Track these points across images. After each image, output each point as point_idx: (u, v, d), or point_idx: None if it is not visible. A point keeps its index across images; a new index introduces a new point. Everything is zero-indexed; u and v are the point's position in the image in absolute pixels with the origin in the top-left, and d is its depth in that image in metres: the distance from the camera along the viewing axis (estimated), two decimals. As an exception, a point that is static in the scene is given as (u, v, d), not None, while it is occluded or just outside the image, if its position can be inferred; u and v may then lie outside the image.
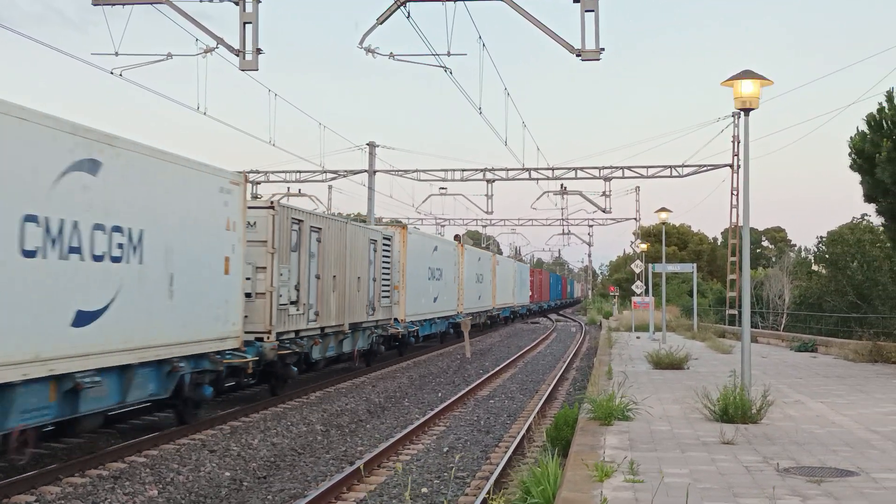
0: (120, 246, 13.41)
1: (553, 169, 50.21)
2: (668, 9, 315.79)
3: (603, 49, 18.93)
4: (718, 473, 9.50)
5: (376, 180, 49.66)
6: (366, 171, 49.82)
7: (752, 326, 15.53)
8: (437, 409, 19.39)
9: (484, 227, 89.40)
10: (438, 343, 41.27)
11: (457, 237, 50.42)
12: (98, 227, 12.84)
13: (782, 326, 47.39)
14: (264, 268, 19.53)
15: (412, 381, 26.03)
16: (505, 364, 31.31)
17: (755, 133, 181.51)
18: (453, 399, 21.24)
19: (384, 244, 29.70)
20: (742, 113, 15.05)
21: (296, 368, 21.61)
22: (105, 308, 13.00)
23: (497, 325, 58.96)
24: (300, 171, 52.22)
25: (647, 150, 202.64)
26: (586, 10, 18.89)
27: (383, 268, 29.50)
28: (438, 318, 38.47)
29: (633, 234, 75.35)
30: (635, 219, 73.73)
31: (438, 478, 13.18)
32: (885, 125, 23.45)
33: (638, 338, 40.52)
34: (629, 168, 49.47)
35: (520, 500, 9.42)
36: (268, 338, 19.29)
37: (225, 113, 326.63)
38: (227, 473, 13.35)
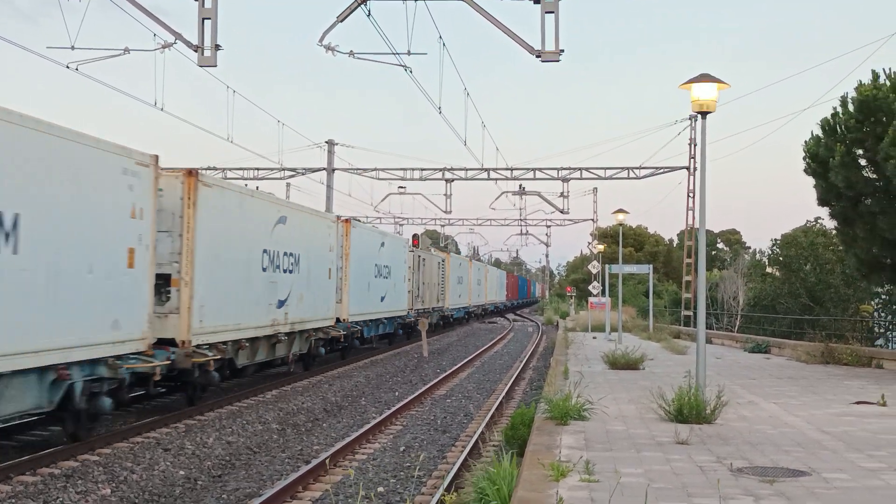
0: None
1: (512, 169, 50.35)
2: (628, 11, 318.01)
3: (563, 50, 19.01)
4: (673, 473, 9.57)
5: (335, 179, 49.56)
6: (324, 169, 49.65)
7: (706, 328, 15.65)
8: (393, 409, 19.36)
9: (443, 226, 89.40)
10: (387, 345, 39.33)
11: (415, 237, 50.35)
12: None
13: (737, 328, 47.88)
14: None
15: (369, 380, 25.97)
16: (462, 363, 31.33)
17: (712, 136, 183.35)
18: (410, 398, 21.22)
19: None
20: (699, 116, 15.17)
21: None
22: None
23: (453, 325, 58.98)
24: (258, 169, 51.90)
25: (605, 152, 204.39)
26: (546, 12, 18.95)
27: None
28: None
29: (591, 234, 75.75)
30: (593, 220, 74.06)
31: (395, 477, 13.16)
32: (838, 130, 23.76)
33: (594, 338, 40.73)
34: (587, 169, 49.71)
35: (476, 500, 9.43)
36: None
37: (183, 109, 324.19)
38: (182, 472, 13.23)
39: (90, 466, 13.16)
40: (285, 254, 22.73)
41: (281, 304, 22.46)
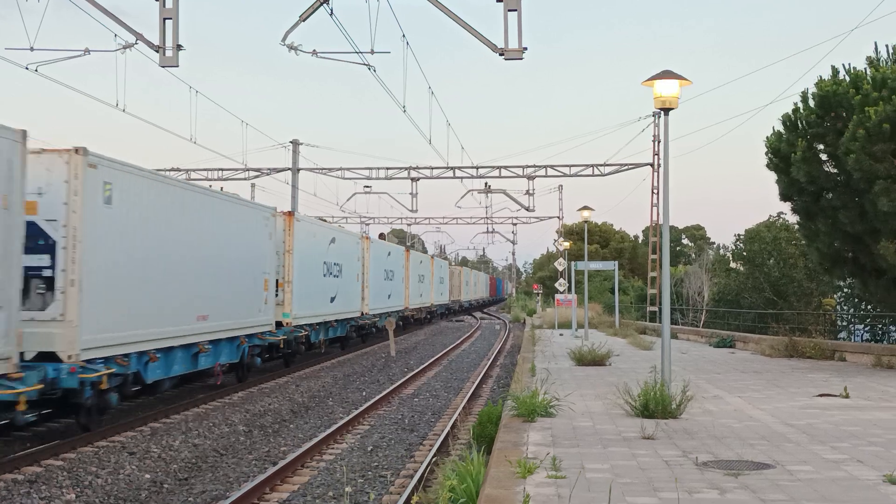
0: None
1: (477, 168, 50.43)
2: (591, 8, 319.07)
3: (526, 48, 19.05)
4: (639, 468, 9.62)
5: (300, 178, 49.39)
6: (289, 169, 49.50)
7: (672, 323, 15.75)
8: (361, 409, 19.32)
9: (409, 225, 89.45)
10: (339, 349, 35.98)
11: (381, 236, 50.30)
12: None
13: (702, 323, 48.21)
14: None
15: (336, 381, 25.90)
16: (430, 362, 31.33)
17: (675, 132, 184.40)
18: (378, 398, 21.20)
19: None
20: (662, 112, 15.25)
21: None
22: None
23: (419, 324, 58.98)
24: (222, 169, 51.66)
25: (570, 150, 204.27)
26: (509, 10, 18.99)
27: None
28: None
29: (557, 232, 76.06)
30: (558, 217, 74.42)
31: (363, 476, 13.14)
32: (800, 125, 23.98)
33: (561, 335, 40.88)
34: (552, 167, 49.90)
35: (444, 498, 9.43)
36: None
37: (145, 110, 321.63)
38: (148, 476, 13.13)
39: (54, 472, 13.02)
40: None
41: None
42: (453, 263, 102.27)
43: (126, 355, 16.07)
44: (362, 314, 37.90)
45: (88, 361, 14.69)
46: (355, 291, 36.21)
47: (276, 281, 25.82)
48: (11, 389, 12.79)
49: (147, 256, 16.96)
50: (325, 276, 30.94)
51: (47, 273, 14.24)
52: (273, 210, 25.14)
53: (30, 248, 13.85)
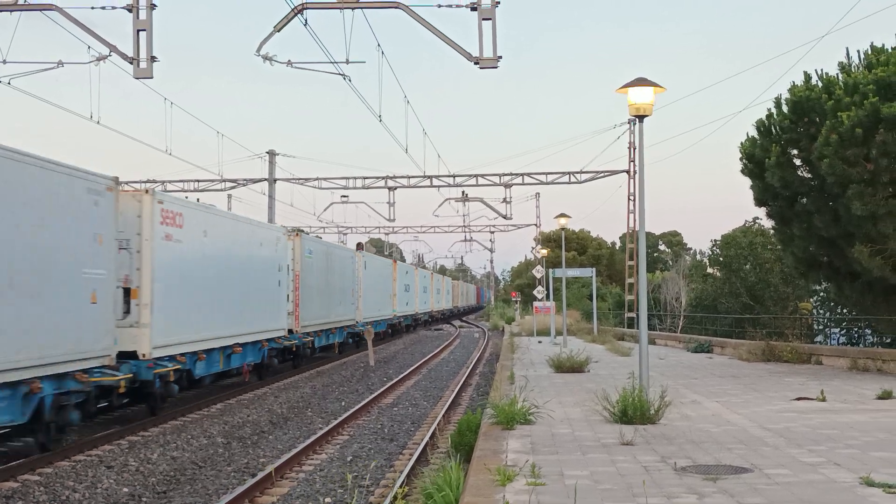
0: None
1: (454, 176, 50.47)
2: (565, 16, 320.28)
3: (500, 57, 19.15)
4: (618, 474, 9.64)
5: (277, 189, 49.23)
6: (266, 179, 49.33)
7: (649, 329, 15.82)
8: (340, 419, 19.27)
9: (387, 234, 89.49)
10: (336, 354, 39.34)
11: (359, 245, 50.24)
12: None
13: (679, 328, 48.41)
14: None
15: (315, 391, 25.83)
16: (409, 371, 31.30)
17: (651, 139, 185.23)
18: (357, 408, 21.15)
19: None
20: (637, 120, 15.33)
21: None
22: None
23: (399, 332, 58.92)
24: (198, 181, 51.46)
25: (546, 157, 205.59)
26: (483, 19, 19.07)
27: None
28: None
29: (534, 239, 76.12)
30: (536, 224, 74.51)
31: (342, 487, 13.10)
32: (773, 130, 24.16)
33: (539, 342, 40.94)
34: (529, 175, 50.01)
35: (423, 507, 9.42)
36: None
37: (120, 122, 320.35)
38: (126, 489, 13.04)
39: (31, 487, 12.92)
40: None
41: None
42: (432, 272, 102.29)
43: (183, 354, 19.60)
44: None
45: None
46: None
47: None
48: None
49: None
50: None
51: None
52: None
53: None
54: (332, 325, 36.20)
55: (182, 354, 19.52)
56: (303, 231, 32.37)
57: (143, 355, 17.58)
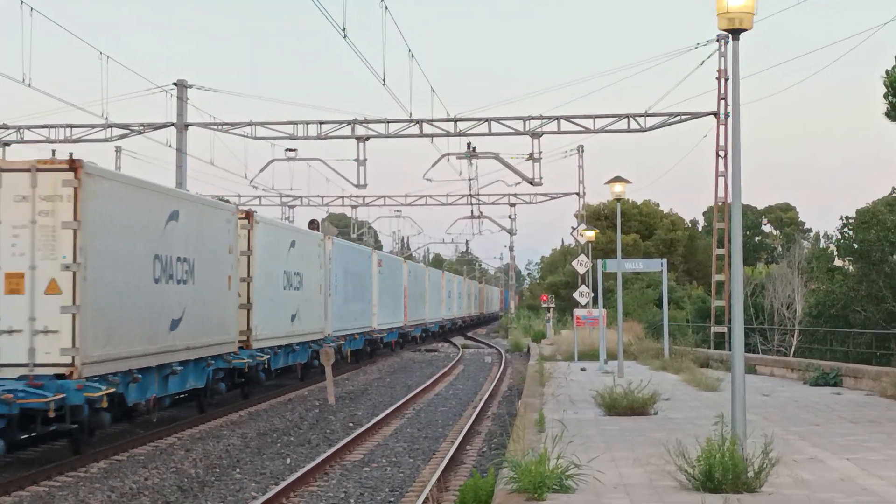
0: None
1: (456, 120, 50.49)
2: None
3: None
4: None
5: (189, 138, 49.25)
6: (172, 124, 49.36)
7: (748, 350, 15.80)
8: (283, 484, 19.29)
9: (354, 207, 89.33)
10: (297, 380, 41.45)
11: (314, 223, 50.27)
12: None
13: (792, 350, 48.45)
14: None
15: (247, 442, 25.86)
16: (387, 413, 31.31)
17: (750, 66, 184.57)
18: (309, 467, 21.15)
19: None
20: (730, 35, 15.26)
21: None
22: None
23: (378, 353, 59.11)
24: (71, 126, 51.44)
25: (592, 93, 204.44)
26: None
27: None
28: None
29: (576, 216, 76.21)
30: (578, 193, 74.55)
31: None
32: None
33: (583, 370, 40.92)
34: (567, 118, 49.98)
35: None
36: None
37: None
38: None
39: None
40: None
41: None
42: (421, 263, 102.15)
43: (268, 347, 34.68)
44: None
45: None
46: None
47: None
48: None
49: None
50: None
51: None
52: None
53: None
54: (296, 339, 39.04)
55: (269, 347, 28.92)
56: (254, 212, 34.85)
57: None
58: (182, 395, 29.26)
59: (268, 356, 34.53)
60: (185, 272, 27.34)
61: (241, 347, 31.91)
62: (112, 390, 22.49)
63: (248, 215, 33.85)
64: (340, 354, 46.58)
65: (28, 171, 21.84)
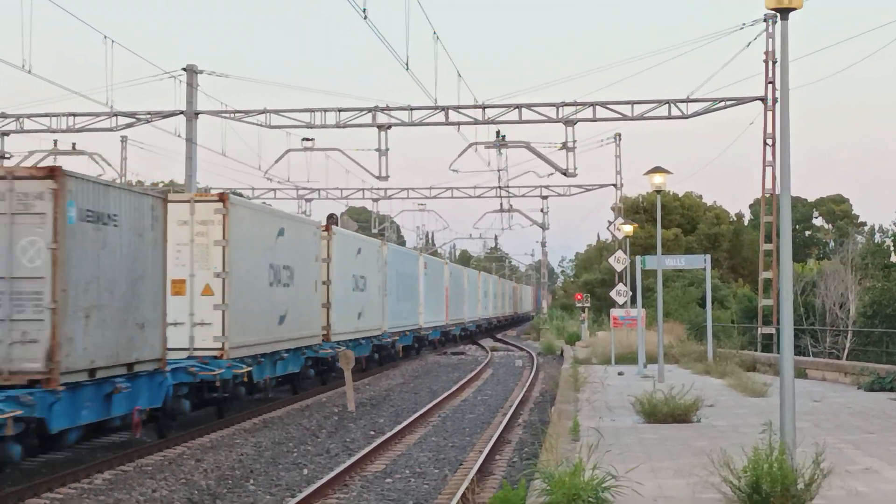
0: None
1: (484, 107, 50.52)
2: None
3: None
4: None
5: (199, 127, 49.37)
6: (181, 112, 49.48)
7: (798, 353, 15.77)
8: (300, 497, 19.33)
9: (375, 200, 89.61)
10: (361, 370, 42.49)
11: (332, 217, 50.36)
12: None
13: (845, 352, 48.32)
14: None
15: (261, 451, 25.92)
16: (410, 420, 31.33)
17: (800, 49, 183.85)
18: (328, 478, 21.19)
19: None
20: (779, 15, 15.22)
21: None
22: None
23: (392, 357, 59.16)
24: (74, 115, 51.58)
25: (630, 78, 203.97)
26: None
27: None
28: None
29: (612, 209, 76.09)
30: (614, 185, 74.44)
31: None
32: None
33: (620, 374, 40.92)
34: (603, 104, 49.94)
35: None
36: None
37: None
38: None
39: None
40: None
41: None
42: (446, 259, 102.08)
43: (343, 341, 43.19)
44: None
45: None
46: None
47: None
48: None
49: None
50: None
51: None
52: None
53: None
54: (361, 334, 44.20)
55: (348, 340, 37.21)
56: (333, 224, 41.20)
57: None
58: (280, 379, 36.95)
59: (343, 348, 41.48)
60: (288, 277, 35.93)
61: (322, 340, 40.65)
62: (248, 369, 31.28)
63: (328, 228, 42.79)
64: (394, 349, 56.66)
65: (188, 202, 30.30)
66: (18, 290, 20.19)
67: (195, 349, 29.33)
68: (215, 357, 29.27)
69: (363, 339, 47.51)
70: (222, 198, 30.46)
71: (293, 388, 38.92)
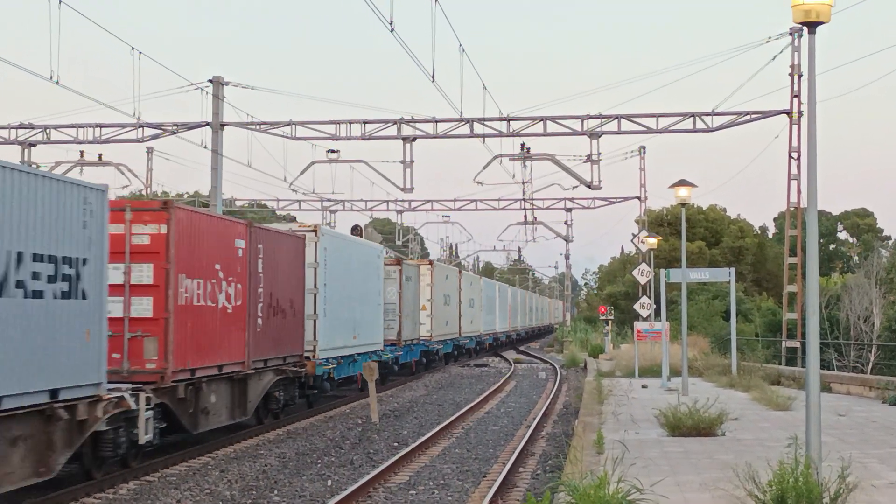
0: None
1: (509, 119, 50.49)
2: None
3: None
4: None
5: (225, 138, 49.44)
6: (207, 123, 49.56)
7: (824, 367, 15.72)
8: (324, 507, 19.32)
9: (400, 212, 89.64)
10: (411, 373, 44.00)
11: (356, 229, 50.38)
12: None
13: (870, 366, 48.15)
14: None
15: (285, 462, 25.93)
16: (434, 432, 31.32)
17: (826, 62, 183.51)
18: (352, 489, 21.19)
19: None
20: (805, 28, 15.18)
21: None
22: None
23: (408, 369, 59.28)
24: (101, 126, 51.70)
25: (655, 91, 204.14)
26: None
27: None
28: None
29: (637, 222, 76.08)
30: (639, 198, 74.40)
31: None
32: None
33: (644, 387, 40.86)
34: (628, 117, 49.86)
35: None
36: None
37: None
38: None
39: None
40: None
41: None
42: (470, 271, 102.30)
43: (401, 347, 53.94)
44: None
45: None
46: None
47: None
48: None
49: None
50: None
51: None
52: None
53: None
54: (413, 341, 52.77)
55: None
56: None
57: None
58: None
59: (400, 353, 51.64)
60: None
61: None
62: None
63: (431, 263, 61.01)
64: (437, 355, 64.99)
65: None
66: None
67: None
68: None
69: (415, 344, 57.48)
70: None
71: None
